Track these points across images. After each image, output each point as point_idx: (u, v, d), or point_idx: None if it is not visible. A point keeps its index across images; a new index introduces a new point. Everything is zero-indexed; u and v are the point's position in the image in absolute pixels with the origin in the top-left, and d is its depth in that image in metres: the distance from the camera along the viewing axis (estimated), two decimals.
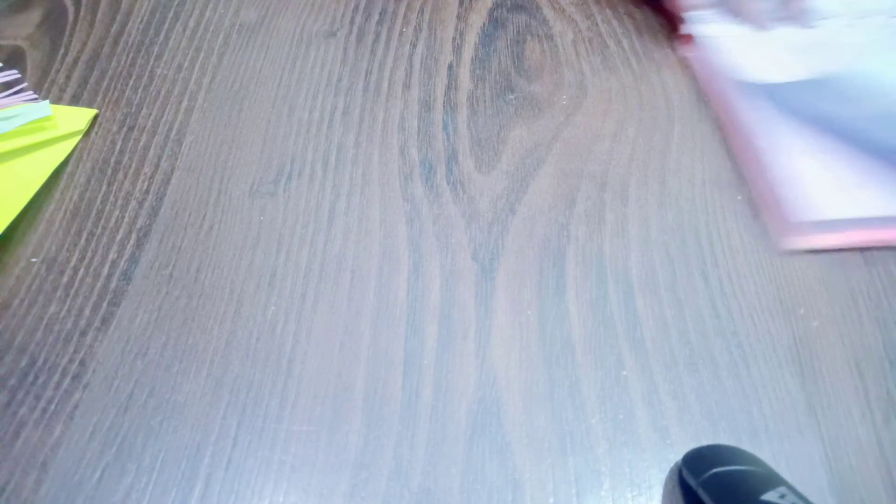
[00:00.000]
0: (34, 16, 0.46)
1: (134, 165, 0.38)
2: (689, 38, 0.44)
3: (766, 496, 0.24)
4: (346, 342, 0.31)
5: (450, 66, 0.43)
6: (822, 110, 0.37)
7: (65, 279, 0.33)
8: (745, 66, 0.41)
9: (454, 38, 0.45)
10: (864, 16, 0.45)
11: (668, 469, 0.29)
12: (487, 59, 0.44)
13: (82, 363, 0.30)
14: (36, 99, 0.40)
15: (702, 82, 0.41)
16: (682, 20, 0.44)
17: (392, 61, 0.44)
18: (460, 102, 0.41)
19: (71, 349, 0.30)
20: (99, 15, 0.46)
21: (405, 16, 0.47)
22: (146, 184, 0.37)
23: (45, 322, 0.31)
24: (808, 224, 0.33)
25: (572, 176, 0.37)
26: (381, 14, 0.47)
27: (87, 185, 0.37)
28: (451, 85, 0.42)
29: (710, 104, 0.40)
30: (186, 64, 0.44)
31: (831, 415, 0.29)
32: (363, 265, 0.34)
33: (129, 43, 0.45)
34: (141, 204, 0.36)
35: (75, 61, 0.43)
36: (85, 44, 0.44)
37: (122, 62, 0.43)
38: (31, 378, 0.29)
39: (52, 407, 0.29)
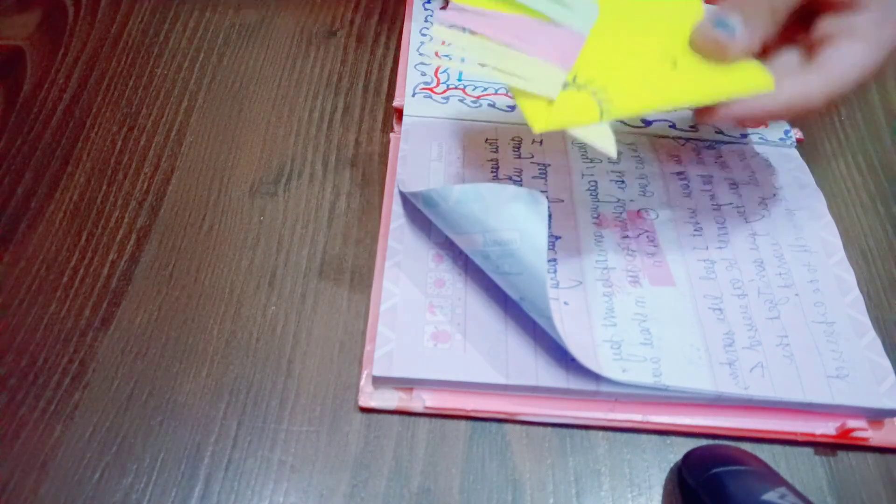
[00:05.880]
0: (34, 16, 0.46)
1: (134, 165, 0.38)
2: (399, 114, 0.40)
3: (766, 496, 0.24)
4: (346, 342, 0.31)
5: None
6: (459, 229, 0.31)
7: (65, 279, 0.33)
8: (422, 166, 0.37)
9: None
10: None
11: (668, 469, 0.29)
12: None
13: (82, 363, 0.30)
14: None
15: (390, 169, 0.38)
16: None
17: (392, 61, 0.44)
18: None
19: (71, 349, 0.30)
20: (99, 15, 0.46)
21: (405, 15, 0.46)
22: (146, 184, 0.37)
23: (45, 322, 0.31)
24: (384, 380, 0.29)
25: None
26: (380, 14, 0.47)
27: (87, 185, 0.37)
28: None
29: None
30: (186, 64, 0.44)
31: None
32: (363, 265, 0.34)
33: (129, 43, 0.45)
34: (141, 204, 0.36)
35: (75, 61, 0.43)
36: (85, 44, 0.44)
37: (122, 62, 0.43)
38: (31, 378, 0.29)
39: (52, 407, 0.29)
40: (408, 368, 0.29)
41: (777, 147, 0.40)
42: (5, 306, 0.32)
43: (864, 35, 0.28)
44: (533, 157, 0.38)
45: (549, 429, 0.29)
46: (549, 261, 0.33)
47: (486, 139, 0.39)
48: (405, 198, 0.35)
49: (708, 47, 0.29)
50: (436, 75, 0.42)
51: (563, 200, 0.36)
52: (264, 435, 0.29)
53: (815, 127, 0.44)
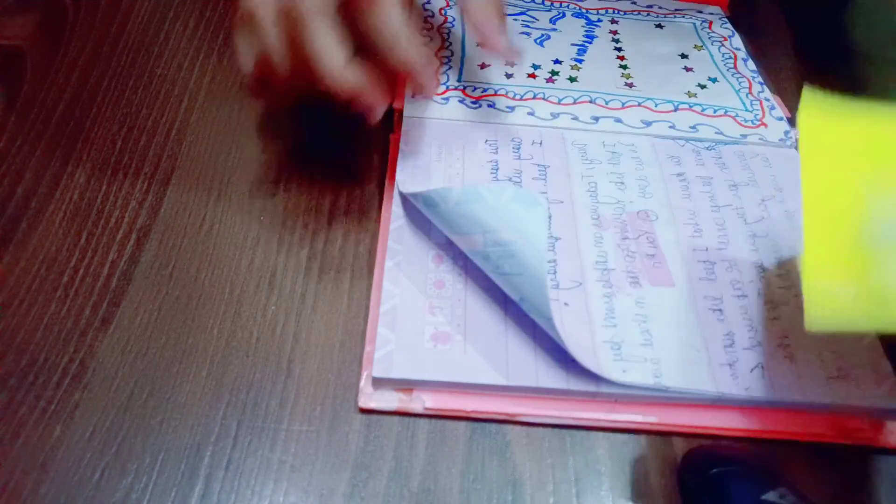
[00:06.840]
0: (34, 16, 0.46)
1: (134, 165, 0.38)
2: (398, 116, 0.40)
3: (766, 496, 0.24)
4: (346, 342, 0.31)
5: None
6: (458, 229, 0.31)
7: (65, 279, 0.33)
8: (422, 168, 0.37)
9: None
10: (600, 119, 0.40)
11: (668, 469, 0.29)
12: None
13: (82, 363, 0.30)
14: None
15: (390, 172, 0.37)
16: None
17: None
18: None
19: (71, 349, 0.30)
20: (99, 15, 0.46)
21: None
22: (146, 184, 0.37)
23: (45, 322, 0.31)
24: (383, 381, 0.29)
25: None
26: None
27: (87, 185, 0.37)
28: None
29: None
30: (186, 64, 0.44)
31: None
32: (363, 265, 0.34)
33: (129, 43, 0.45)
34: (141, 204, 0.36)
35: (75, 61, 0.43)
36: (85, 44, 0.44)
37: (122, 62, 0.43)
38: (31, 378, 0.29)
39: (52, 407, 0.29)
40: (408, 370, 0.29)
41: (777, 148, 0.40)
42: (5, 306, 0.32)
43: None
44: (532, 158, 0.38)
45: (549, 429, 0.29)
46: (549, 262, 0.33)
47: (486, 140, 0.39)
48: (405, 198, 0.35)
49: None
50: (435, 76, 0.42)
51: (562, 202, 0.36)
52: (264, 435, 0.29)
53: None
